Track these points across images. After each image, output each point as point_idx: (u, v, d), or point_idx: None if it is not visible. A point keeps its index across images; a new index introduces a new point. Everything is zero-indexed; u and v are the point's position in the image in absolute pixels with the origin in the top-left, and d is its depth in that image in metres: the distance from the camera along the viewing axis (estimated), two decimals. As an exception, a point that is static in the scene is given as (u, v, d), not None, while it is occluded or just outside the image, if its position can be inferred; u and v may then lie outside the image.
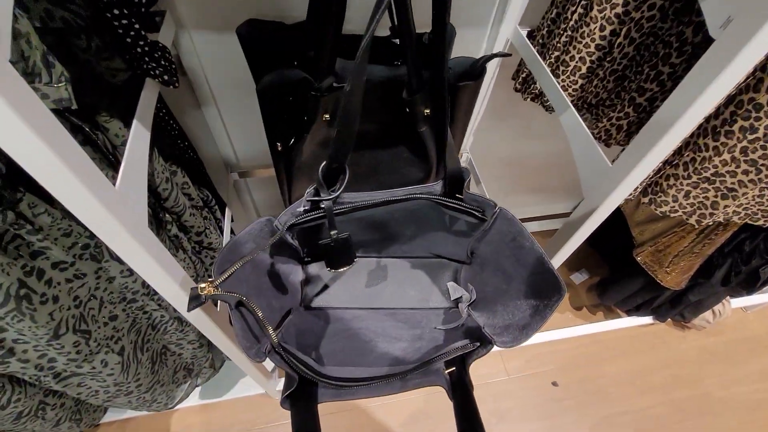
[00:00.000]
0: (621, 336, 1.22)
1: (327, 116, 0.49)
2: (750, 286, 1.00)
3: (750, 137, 0.48)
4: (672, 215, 0.59)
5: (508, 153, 1.11)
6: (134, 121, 0.42)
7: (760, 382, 1.17)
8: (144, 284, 0.54)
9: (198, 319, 0.55)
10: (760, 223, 0.62)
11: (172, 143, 0.64)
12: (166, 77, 0.45)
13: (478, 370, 1.12)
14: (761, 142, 0.48)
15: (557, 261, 0.65)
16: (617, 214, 0.93)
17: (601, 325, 1.21)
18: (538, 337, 1.17)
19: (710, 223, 0.61)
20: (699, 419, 1.09)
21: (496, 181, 1.20)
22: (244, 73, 0.53)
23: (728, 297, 1.17)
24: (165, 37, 0.55)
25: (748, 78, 0.45)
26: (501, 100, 0.87)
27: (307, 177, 0.54)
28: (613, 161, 0.51)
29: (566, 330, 1.19)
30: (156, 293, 0.57)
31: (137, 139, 0.42)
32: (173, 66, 0.47)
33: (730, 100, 0.48)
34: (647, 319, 1.19)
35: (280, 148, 0.52)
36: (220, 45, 0.65)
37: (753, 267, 0.94)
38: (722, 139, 0.49)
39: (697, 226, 0.73)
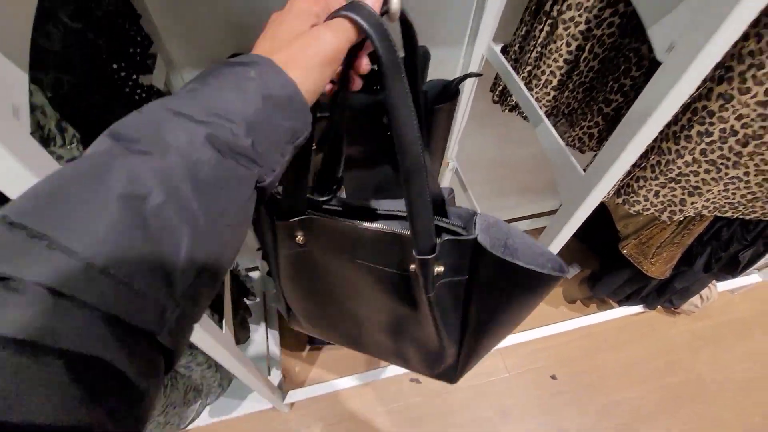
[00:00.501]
0: (614, 326, 1.26)
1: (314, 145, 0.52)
2: (732, 270, 1.04)
3: (707, 140, 0.52)
4: (645, 213, 0.63)
5: (493, 157, 1.15)
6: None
7: (749, 363, 1.21)
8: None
9: (205, 342, 0.58)
10: (729, 215, 0.66)
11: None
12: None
13: (477, 369, 1.15)
14: (718, 144, 0.52)
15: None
16: (603, 210, 0.97)
17: (594, 317, 1.25)
18: (535, 333, 1.21)
19: (682, 218, 0.65)
20: (693, 403, 1.13)
21: (484, 185, 1.23)
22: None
23: (714, 281, 1.22)
24: (158, 78, 0.58)
25: (699, 88, 0.49)
26: (482, 109, 0.91)
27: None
28: (586, 168, 0.54)
29: (562, 324, 1.23)
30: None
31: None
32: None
33: (686, 108, 0.52)
34: (638, 308, 1.24)
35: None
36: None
37: (732, 253, 0.99)
38: (683, 143, 0.53)
39: (669, 223, 0.77)
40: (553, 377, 1.16)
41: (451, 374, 0.55)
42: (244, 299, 0.93)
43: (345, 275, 0.45)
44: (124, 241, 0.17)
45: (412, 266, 0.38)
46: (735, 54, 0.45)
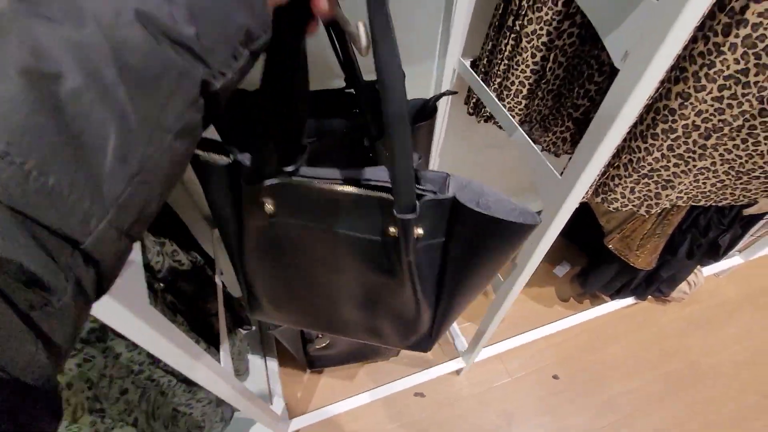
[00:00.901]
0: (608, 320, 1.28)
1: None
2: (714, 255, 1.08)
3: (672, 136, 0.54)
4: (624, 209, 0.65)
5: (475, 164, 1.18)
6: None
7: (740, 343, 1.24)
8: (149, 354, 0.56)
9: (205, 378, 0.57)
10: (702, 203, 0.69)
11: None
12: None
13: (480, 376, 1.16)
14: (682, 139, 0.55)
15: (533, 263, 0.70)
16: (586, 208, 1.00)
17: (588, 313, 1.27)
18: (533, 335, 1.22)
19: (659, 211, 0.68)
20: (691, 388, 1.15)
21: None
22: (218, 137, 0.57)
23: (699, 267, 1.25)
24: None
25: (659, 89, 0.52)
26: (458, 121, 0.94)
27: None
28: (562, 172, 0.57)
29: (558, 323, 1.25)
30: (161, 360, 0.59)
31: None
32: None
33: (648, 108, 0.55)
34: (629, 300, 1.26)
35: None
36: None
37: (711, 238, 1.03)
38: (650, 140, 0.56)
39: (647, 216, 0.80)
40: (555, 377, 1.17)
41: (425, 343, 0.56)
42: (240, 329, 0.92)
43: (318, 248, 0.43)
44: (31, 125, 0.13)
45: (392, 229, 0.38)
46: (687, 56, 0.48)
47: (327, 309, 0.53)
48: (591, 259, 1.30)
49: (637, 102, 0.43)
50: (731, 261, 1.33)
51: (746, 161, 0.59)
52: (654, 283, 1.13)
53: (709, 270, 1.32)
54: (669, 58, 0.38)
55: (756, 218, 1.11)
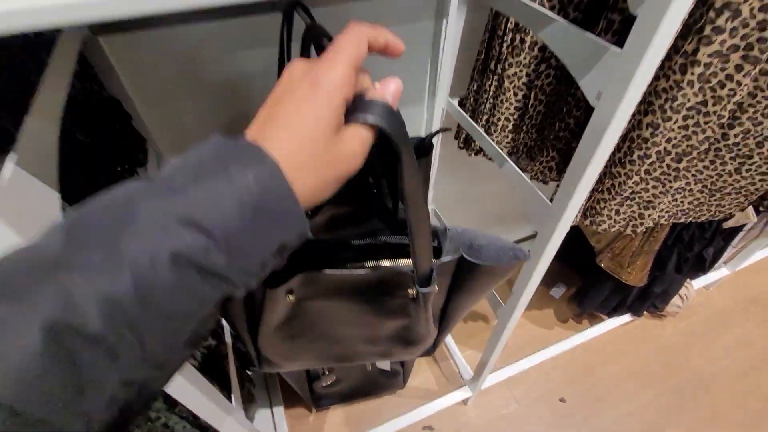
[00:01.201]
0: (609, 339, 1.30)
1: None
2: (701, 268, 1.13)
3: (647, 161, 0.60)
4: (612, 230, 0.70)
5: (468, 195, 1.23)
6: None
7: (738, 350, 1.27)
8: (165, 401, 0.57)
9: (218, 419, 0.58)
10: (683, 220, 0.74)
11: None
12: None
13: (487, 404, 1.15)
14: (657, 164, 0.60)
15: (531, 287, 0.73)
16: (576, 229, 1.04)
17: (588, 333, 1.29)
18: (536, 358, 1.23)
19: (644, 230, 0.73)
20: (697, 400, 1.16)
21: (463, 223, 1.30)
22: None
23: (689, 280, 1.30)
24: (151, 167, 0.63)
25: (631, 121, 0.58)
26: (450, 154, 0.99)
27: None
28: (551, 198, 0.61)
29: (559, 345, 1.26)
30: (177, 407, 0.60)
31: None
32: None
33: (624, 137, 0.60)
34: (626, 317, 1.29)
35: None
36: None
37: (696, 252, 1.08)
38: (628, 166, 0.61)
39: (633, 236, 0.85)
40: (562, 400, 1.17)
41: (430, 350, 0.59)
42: (247, 370, 0.92)
43: (338, 314, 0.46)
44: (40, 384, 0.14)
45: (411, 291, 0.42)
46: (653, 91, 0.54)
47: (342, 351, 0.55)
48: (585, 279, 1.34)
49: (613, 134, 0.48)
50: (719, 273, 1.37)
51: (717, 179, 0.64)
52: (648, 299, 1.17)
53: (698, 282, 1.36)
54: (637, 96, 0.43)
55: (736, 231, 1.16)
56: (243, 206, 0.18)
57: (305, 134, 0.20)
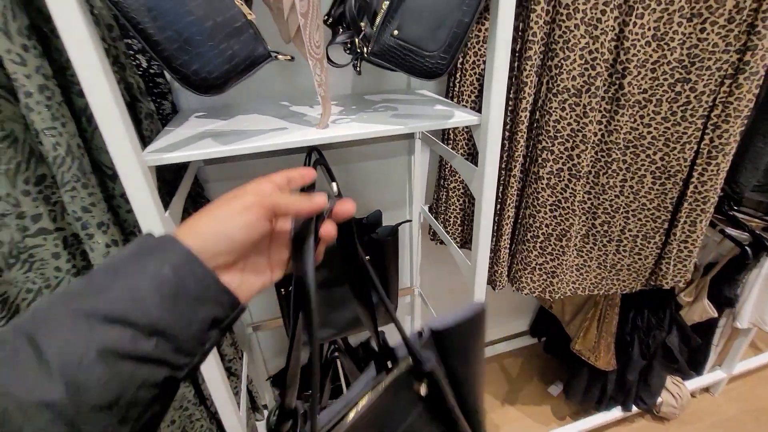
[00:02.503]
0: (603, 436, 1.30)
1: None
2: (671, 358, 1.21)
3: (538, 241, 0.86)
4: (534, 294, 0.92)
5: (452, 285, 1.45)
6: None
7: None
8: (195, 395, 0.80)
9: None
10: (595, 292, 0.94)
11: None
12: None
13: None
14: (546, 242, 0.86)
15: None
16: (559, 324, 1.22)
17: (583, 427, 1.31)
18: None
19: (561, 297, 0.93)
20: None
21: (446, 308, 1.49)
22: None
23: (679, 379, 1.33)
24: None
25: (516, 213, 0.87)
26: (430, 247, 1.29)
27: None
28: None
29: (552, 438, 1.29)
30: (205, 402, 0.82)
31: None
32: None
33: (515, 223, 0.88)
34: (617, 413, 1.31)
35: (284, 292, 0.88)
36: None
37: (660, 341, 1.18)
38: (522, 245, 0.87)
39: (553, 303, 1.02)
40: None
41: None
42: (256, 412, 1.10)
43: None
44: None
45: (423, 391, 0.41)
46: (523, 193, 0.85)
47: None
48: (569, 370, 1.41)
49: (486, 218, 0.78)
50: (715, 375, 1.38)
51: (605, 258, 0.87)
52: (626, 387, 1.23)
53: (694, 384, 1.36)
54: (493, 195, 0.74)
55: (710, 328, 1.25)
56: (162, 294, 0.20)
57: (218, 226, 0.24)
